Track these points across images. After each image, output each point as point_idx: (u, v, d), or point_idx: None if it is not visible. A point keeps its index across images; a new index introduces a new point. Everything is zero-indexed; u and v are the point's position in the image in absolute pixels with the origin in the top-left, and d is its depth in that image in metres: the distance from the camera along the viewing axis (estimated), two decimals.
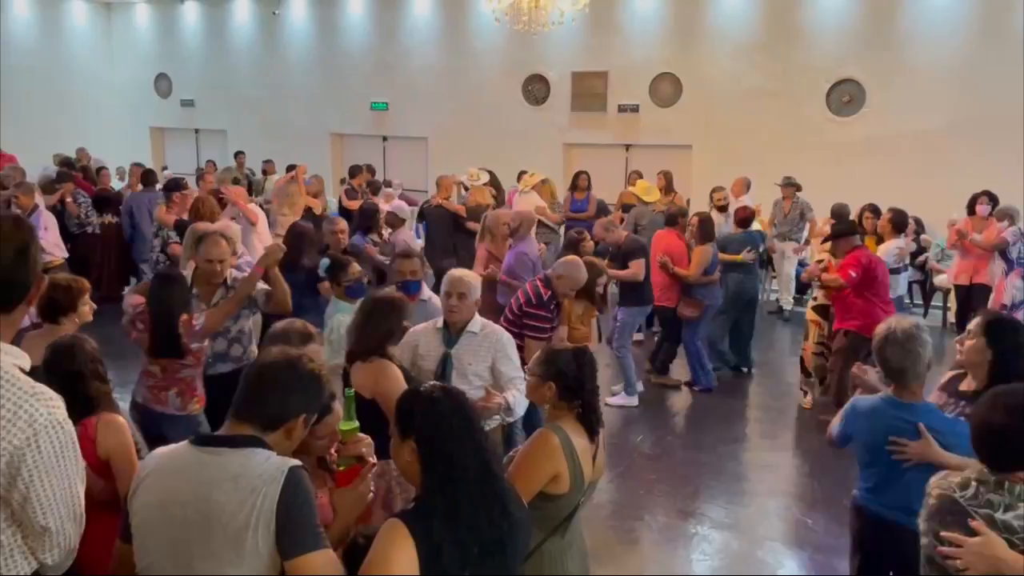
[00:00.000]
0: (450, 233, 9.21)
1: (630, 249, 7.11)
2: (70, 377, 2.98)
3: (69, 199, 9.90)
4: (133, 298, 4.47)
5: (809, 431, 6.68)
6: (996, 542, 2.15)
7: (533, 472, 2.67)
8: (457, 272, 4.13)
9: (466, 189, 10.36)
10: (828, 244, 6.92)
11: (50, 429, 1.94)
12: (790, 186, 9.99)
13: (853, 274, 6.24)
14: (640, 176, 11.09)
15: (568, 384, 2.80)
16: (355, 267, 4.95)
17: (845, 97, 11.66)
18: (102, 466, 2.95)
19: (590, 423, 2.81)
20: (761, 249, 8.66)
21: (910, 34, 11.10)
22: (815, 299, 7.13)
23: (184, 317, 4.02)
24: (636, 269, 7.02)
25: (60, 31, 17.18)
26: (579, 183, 10.60)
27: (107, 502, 2.89)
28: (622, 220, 9.14)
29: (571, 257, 5.44)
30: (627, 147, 13.43)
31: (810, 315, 7.13)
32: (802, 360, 7.23)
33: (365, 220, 7.56)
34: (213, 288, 4.46)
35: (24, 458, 1.91)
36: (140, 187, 10.29)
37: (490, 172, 11.28)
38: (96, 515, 2.80)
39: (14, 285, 1.97)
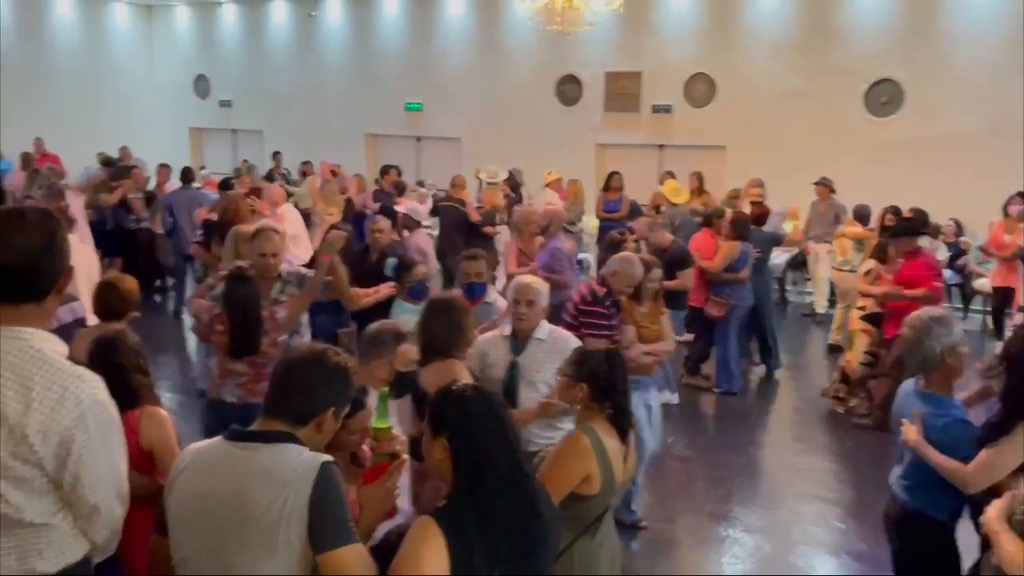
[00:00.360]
0: (463, 232, 9.13)
1: (678, 257, 6.96)
2: (113, 369, 3.05)
3: (132, 195, 10.12)
4: (201, 302, 4.49)
5: (842, 434, 6.60)
6: None
7: (564, 473, 2.67)
8: (525, 279, 4.07)
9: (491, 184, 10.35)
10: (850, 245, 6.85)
11: (96, 409, 2.02)
12: (824, 186, 9.84)
13: (938, 284, 6.06)
14: (672, 176, 11.04)
15: (600, 385, 2.80)
16: (419, 269, 4.92)
17: (884, 97, 11.49)
18: (145, 458, 3.02)
19: (621, 424, 2.81)
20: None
21: (950, 32, 10.90)
22: (862, 308, 6.83)
23: (266, 312, 4.10)
24: (684, 280, 6.88)
25: (102, 33, 17.53)
26: (612, 184, 10.57)
27: (147, 497, 2.95)
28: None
29: (625, 253, 5.29)
30: (660, 147, 13.36)
31: (858, 324, 6.83)
32: (843, 369, 7.03)
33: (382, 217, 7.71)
34: (270, 283, 4.45)
35: (74, 438, 1.98)
36: (177, 185, 10.50)
37: (512, 172, 11.34)
38: (138, 510, 2.87)
39: (41, 274, 2.02)
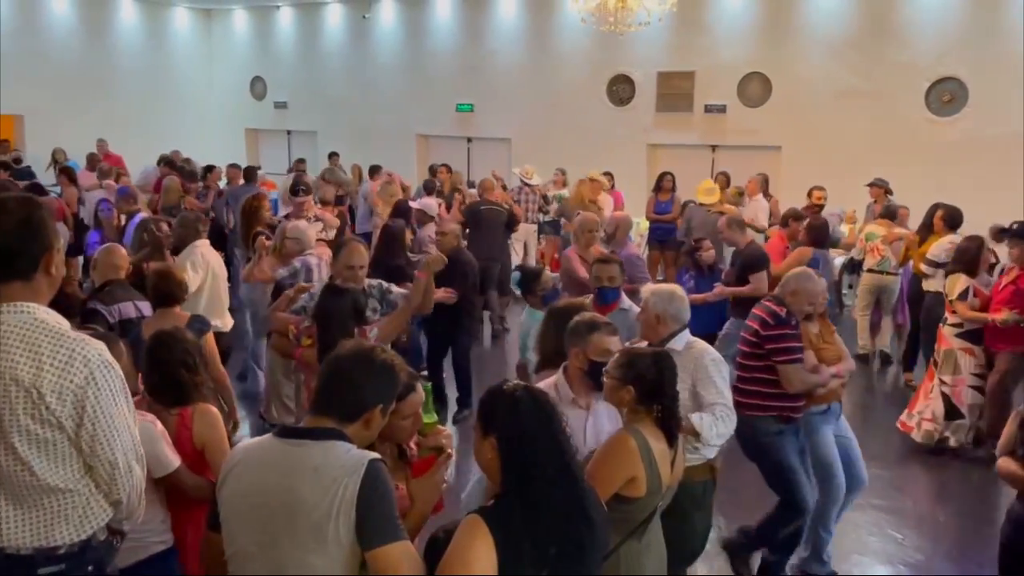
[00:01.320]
0: (501, 236, 8.97)
1: (754, 259, 6.62)
2: (164, 365, 3.12)
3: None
4: (284, 315, 4.49)
5: (897, 442, 6.43)
6: None
7: (609, 474, 2.65)
8: (656, 287, 3.96)
9: (526, 184, 10.30)
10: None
11: (103, 368, 2.16)
12: (879, 187, 9.56)
13: None
14: (727, 177, 10.90)
15: (647, 388, 2.77)
16: (547, 276, 4.80)
17: (946, 96, 11.17)
18: (197, 455, 3.07)
19: (669, 427, 2.78)
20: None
21: (1015, 28, 10.54)
22: (957, 325, 6.19)
23: (358, 328, 4.03)
24: (757, 284, 6.41)
25: (163, 37, 17.99)
26: (663, 184, 10.48)
27: (204, 498, 3.01)
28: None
29: (801, 268, 4.79)
30: (713, 148, 13.20)
31: (957, 343, 6.18)
32: (947, 398, 6.18)
33: (400, 217, 7.82)
34: None
35: (87, 395, 2.11)
36: (241, 182, 10.79)
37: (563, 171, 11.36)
38: (195, 508, 2.93)
39: (19, 254, 2.16)
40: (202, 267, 5.81)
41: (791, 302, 4.44)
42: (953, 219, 7.27)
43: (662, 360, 2.83)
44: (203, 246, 5.98)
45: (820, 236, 7.08)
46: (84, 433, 2.13)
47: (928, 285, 7.17)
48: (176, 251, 6.04)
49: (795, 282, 4.48)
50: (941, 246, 7.07)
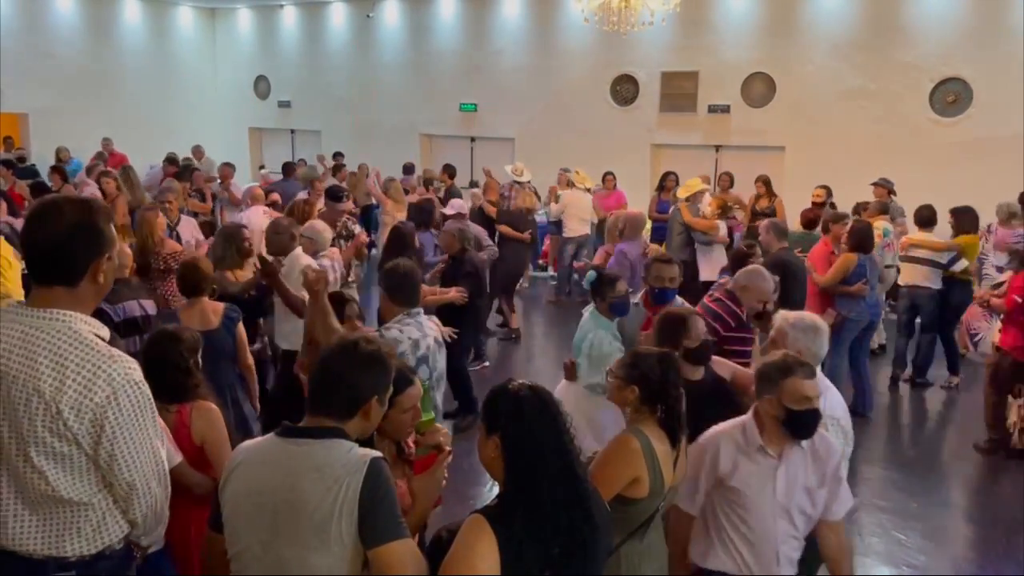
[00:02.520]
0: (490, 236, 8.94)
1: (776, 265, 6.20)
2: (160, 363, 3.13)
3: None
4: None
5: (901, 443, 6.42)
6: None
7: (611, 475, 2.65)
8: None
9: (516, 182, 10.31)
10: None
11: (128, 388, 2.10)
12: (883, 187, 9.53)
13: None
14: (731, 178, 10.89)
15: (652, 389, 2.77)
16: (622, 284, 4.57)
17: (950, 97, 11.15)
18: (197, 452, 3.07)
19: (672, 428, 2.77)
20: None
21: (1020, 28, 10.51)
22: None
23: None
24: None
25: (168, 36, 17.99)
26: (667, 184, 10.49)
27: (205, 496, 3.01)
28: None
29: (754, 266, 4.83)
30: (717, 148, 13.18)
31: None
32: None
33: (424, 216, 7.71)
34: None
35: (106, 415, 2.07)
36: (232, 181, 10.89)
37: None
38: (194, 507, 2.92)
39: (68, 259, 2.11)
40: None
41: (742, 297, 4.45)
42: (925, 218, 7.64)
43: (667, 361, 2.83)
44: (302, 256, 5.54)
45: (862, 240, 6.71)
46: (102, 452, 2.10)
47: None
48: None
49: (745, 278, 4.52)
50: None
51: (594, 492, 2.21)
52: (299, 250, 5.57)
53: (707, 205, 8.90)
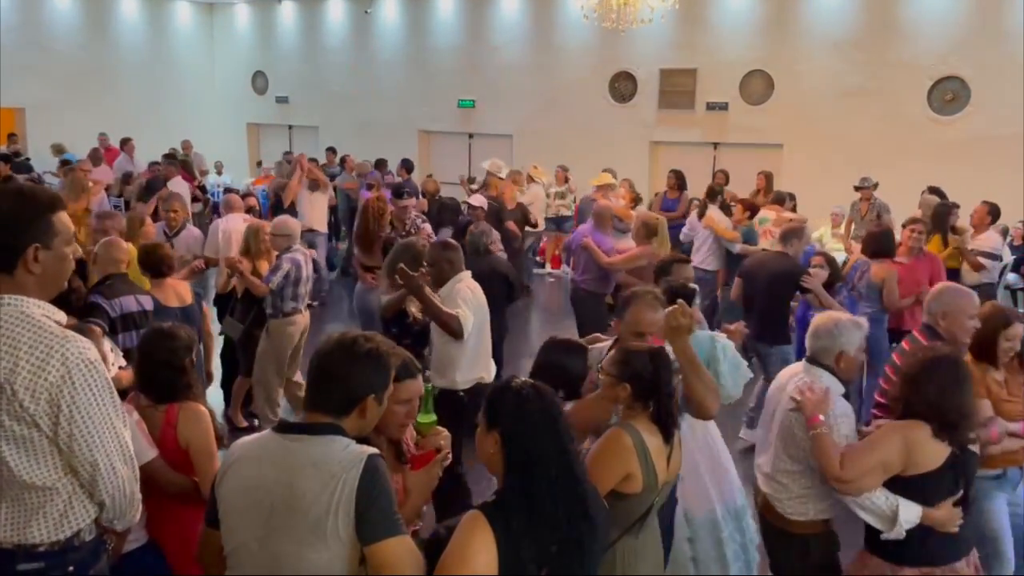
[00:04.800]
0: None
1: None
2: (156, 363, 3.11)
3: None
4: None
5: None
6: None
7: (604, 471, 2.64)
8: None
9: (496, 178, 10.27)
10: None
11: (82, 367, 2.11)
12: (866, 188, 9.53)
13: None
14: (726, 176, 10.89)
15: (643, 386, 2.76)
16: (686, 269, 4.36)
17: (948, 95, 11.16)
18: (181, 454, 3.02)
19: (664, 424, 2.76)
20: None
21: (1018, 27, 10.52)
22: None
23: None
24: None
25: (165, 31, 17.96)
26: (669, 183, 10.52)
27: (183, 494, 2.98)
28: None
29: (949, 284, 4.17)
30: (715, 145, 13.19)
31: None
32: None
33: (448, 213, 7.65)
34: None
35: (62, 394, 2.08)
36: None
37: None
38: (176, 506, 2.91)
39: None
40: (472, 304, 4.51)
41: (943, 328, 3.74)
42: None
43: (658, 358, 2.81)
44: (468, 279, 4.72)
45: (881, 245, 6.16)
46: (61, 432, 2.10)
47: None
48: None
49: (941, 300, 3.78)
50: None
51: (593, 491, 2.21)
52: (463, 274, 4.68)
53: (619, 198, 9.11)
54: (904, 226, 6.52)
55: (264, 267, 6.01)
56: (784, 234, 6.16)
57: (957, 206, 7.66)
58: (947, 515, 2.98)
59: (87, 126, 14.47)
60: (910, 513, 2.95)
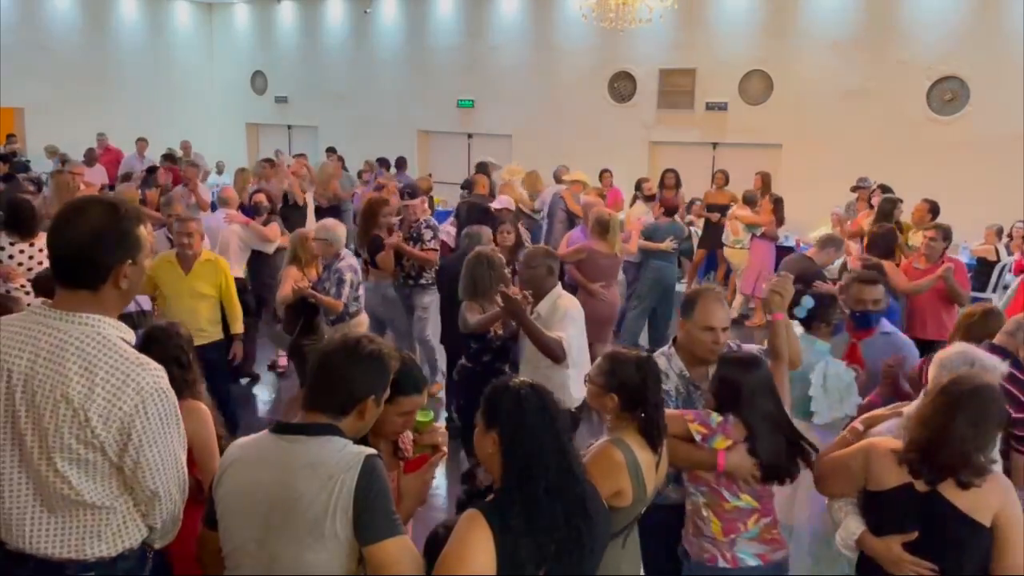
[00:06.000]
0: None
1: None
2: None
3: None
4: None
5: None
6: None
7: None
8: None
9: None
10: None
11: (156, 396, 2.07)
12: (863, 189, 9.53)
13: None
14: (725, 176, 10.90)
15: (631, 396, 2.69)
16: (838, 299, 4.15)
17: (947, 95, 11.16)
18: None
19: (651, 435, 2.68)
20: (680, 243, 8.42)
21: (1018, 27, 10.52)
22: None
23: None
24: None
25: (165, 31, 17.94)
26: (666, 181, 10.48)
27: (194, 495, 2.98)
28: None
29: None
30: (714, 145, 13.18)
31: None
32: None
33: (478, 213, 7.43)
34: None
35: (134, 424, 2.04)
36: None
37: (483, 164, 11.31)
38: (192, 506, 2.90)
39: (90, 264, 2.07)
40: (579, 321, 4.44)
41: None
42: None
43: (645, 366, 2.73)
44: (564, 294, 4.59)
45: (888, 244, 6.17)
46: (128, 459, 2.07)
47: None
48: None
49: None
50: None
51: (592, 491, 2.20)
52: (559, 287, 4.58)
53: (585, 194, 9.16)
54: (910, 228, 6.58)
55: (312, 275, 5.87)
56: (823, 240, 6.24)
57: (901, 201, 7.90)
58: (886, 549, 2.63)
59: (86, 126, 14.46)
60: (851, 525, 2.74)
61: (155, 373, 2.10)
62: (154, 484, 2.12)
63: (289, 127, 18.36)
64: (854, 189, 9.59)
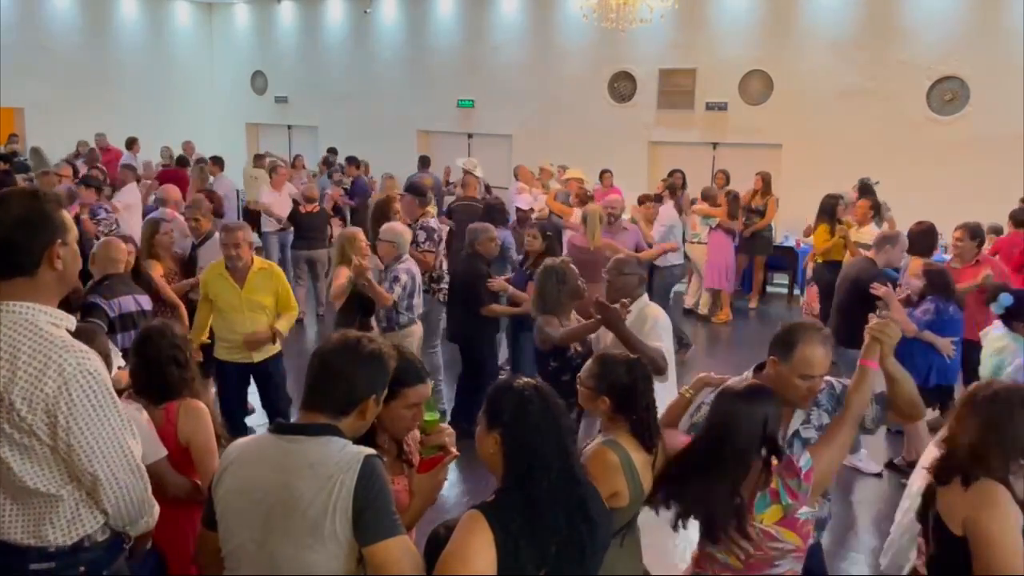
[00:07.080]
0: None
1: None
2: (148, 361, 3.10)
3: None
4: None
5: (892, 441, 6.42)
6: None
7: None
8: None
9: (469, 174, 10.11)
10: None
11: (79, 378, 2.09)
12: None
13: None
14: (726, 176, 10.89)
15: (622, 397, 2.70)
16: None
17: (947, 95, 11.15)
18: (181, 452, 3.02)
19: (644, 435, 2.69)
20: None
21: (1018, 26, 10.51)
22: None
23: None
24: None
25: (165, 31, 17.94)
26: (677, 181, 10.53)
27: (184, 497, 2.98)
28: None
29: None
30: (714, 146, 13.18)
31: None
32: None
33: (497, 214, 7.39)
34: None
35: (59, 406, 2.06)
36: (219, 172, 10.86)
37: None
38: (175, 508, 2.90)
39: (17, 248, 2.11)
40: (669, 331, 4.25)
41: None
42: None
43: (635, 368, 2.75)
44: (652, 305, 4.36)
45: (926, 245, 6.03)
46: (60, 443, 2.09)
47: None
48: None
49: None
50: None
51: (593, 492, 2.20)
52: (645, 296, 4.36)
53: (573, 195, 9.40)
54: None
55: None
56: (878, 240, 5.98)
57: (842, 197, 8.25)
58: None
59: (86, 126, 14.47)
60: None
61: (79, 355, 2.11)
62: (92, 467, 2.13)
63: (289, 127, 18.35)
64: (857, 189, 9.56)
